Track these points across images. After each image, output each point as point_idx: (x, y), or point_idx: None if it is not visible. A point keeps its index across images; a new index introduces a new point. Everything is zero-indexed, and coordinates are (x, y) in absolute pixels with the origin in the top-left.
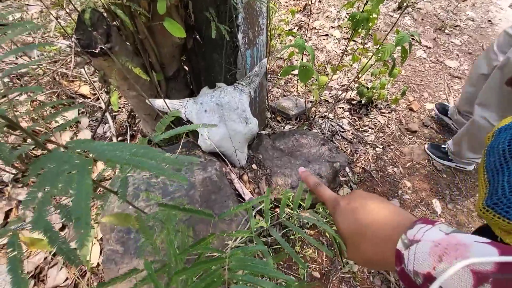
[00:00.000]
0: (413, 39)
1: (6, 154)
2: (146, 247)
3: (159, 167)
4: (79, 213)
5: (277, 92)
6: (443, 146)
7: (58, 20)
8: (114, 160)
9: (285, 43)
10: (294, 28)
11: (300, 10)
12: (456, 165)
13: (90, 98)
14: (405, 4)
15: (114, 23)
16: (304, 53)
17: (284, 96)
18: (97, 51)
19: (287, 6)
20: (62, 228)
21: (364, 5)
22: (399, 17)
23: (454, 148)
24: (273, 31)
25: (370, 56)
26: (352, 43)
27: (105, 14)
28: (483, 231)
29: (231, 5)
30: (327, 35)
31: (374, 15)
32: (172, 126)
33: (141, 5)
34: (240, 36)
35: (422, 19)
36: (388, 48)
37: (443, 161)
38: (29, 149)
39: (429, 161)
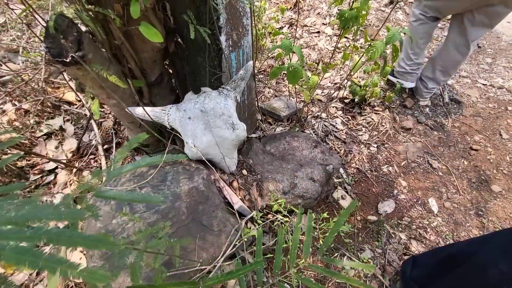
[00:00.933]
0: (401, 34)
1: None
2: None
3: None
4: None
5: (268, 93)
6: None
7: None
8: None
9: (276, 42)
10: (285, 26)
11: (291, 8)
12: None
13: (75, 104)
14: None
15: (87, 29)
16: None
17: (276, 96)
18: (68, 60)
19: (278, 3)
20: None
21: (353, 2)
22: (390, 11)
23: (428, 73)
24: (263, 29)
25: (361, 54)
26: (344, 39)
27: (75, 20)
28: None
29: (211, 6)
30: (318, 32)
31: (364, 12)
32: (161, 130)
33: (114, 9)
34: (223, 38)
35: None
36: (379, 46)
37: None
38: (10, 161)
39: (425, 159)
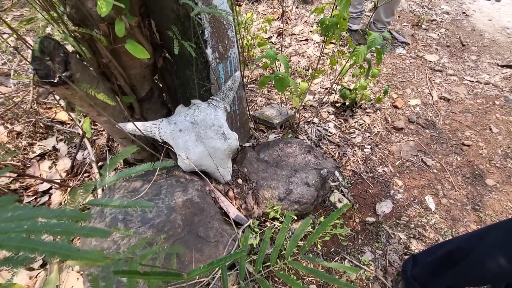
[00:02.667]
0: (385, 39)
1: None
2: None
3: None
4: None
5: (260, 101)
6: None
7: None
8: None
9: (264, 52)
10: (273, 35)
11: (278, 18)
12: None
13: (68, 124)
14: (379, 4)
15: (73, 49)
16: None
17: (268, 104)
18: (55, 81)
19: (265, 14)
20: (43, 264)
21: (333, 10)
22: (372, 15)
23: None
24: (252, 40)
25: (347, 59)
26: (332, 45)
27: (62, 42)
28: None
29: (194, 21)
30: (307, 40)
31: (344, 19)
32: (155, 144)
33: (100, 29)
34: (209, 51)
35: (399, 16)
36: (361, 51)
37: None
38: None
39: (418, 157)
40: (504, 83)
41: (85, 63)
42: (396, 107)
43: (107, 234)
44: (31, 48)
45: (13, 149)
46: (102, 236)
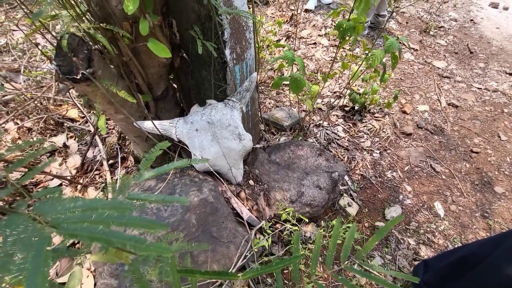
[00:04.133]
0: (401, 43)
1: None
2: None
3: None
4: None
5: (269, 103)
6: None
7: (45, 44)
8: (75, 234)
9: (274, 54)
10: (282, 38)
11: (287, 21)
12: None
13: (78, 121)
14: (390, 10)
15: (96, 46)
16: (294, 63)
17: (277, 106)
18: (78, 77)
19: (274, 17)
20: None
21: (350, 13)
22: (386, 21)
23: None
24: (261, 42)
25: (360, 63)
26: (341, 49)
27: (85, 38)
28: None
29: (216, 21)
30: (315, 43)
31: (361, 23)
32: (168, 149)
33: (123, 27)
34: (227, 52)
35: (407, 22)
36: (378, 55)
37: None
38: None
39: (427, 163)
40: None
41: (106, 61)
42: (404, 112)
43: (166, 228)
44: (53, 44)
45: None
46: (162, 229)
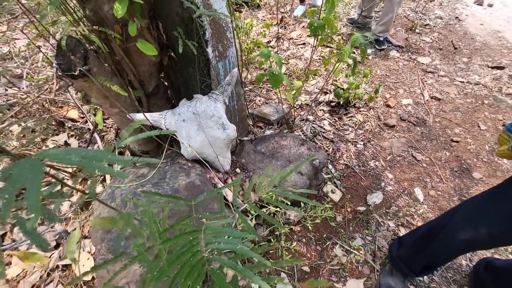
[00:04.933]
0: (366, 37)
1: None
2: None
3: (101, 167)
4: (31, 201)
5: (259, 101)
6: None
7: (46, 51)
8: (64, 161)
9: None
10: (272, 39)
11: (277, 23)
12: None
13: (78, 121)
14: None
15: (92, 47)
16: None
17: (266, 103)
18: (76, 73)
19: (265, 19)
20: (57, 246)
21: (320, 13)
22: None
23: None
24: (251, 44)
25: (337, 60)
26: (328, 49)
27: (82, 40)
28: None
29: (197, 23)
30: (304, 43)
31: (333, 20)
32: (159, 136)
33: (115, 30)
34: (210, 49)
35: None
36: (346, 49)
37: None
38: None
39: (409, 153)
40: (494, 83)
41: (100, 59)
42: (388, 106)
43: (129, 163)
44: (54, 49)
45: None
46: (125, 164)
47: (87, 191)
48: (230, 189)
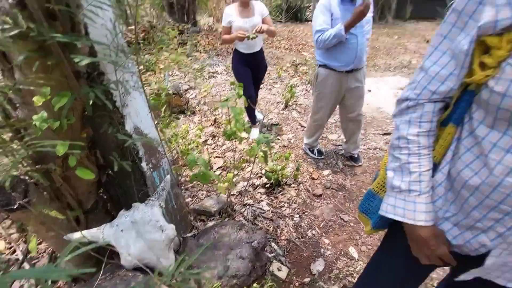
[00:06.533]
0: (266, 139)
1: None
2: None
3: None
4: None
5: (202, 194)
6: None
7: None
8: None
9: (203, 152)
10: (208, 138)
11: (211, 124)
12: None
13: (5, 253)
14: (289, 103)
15: (32, 180)
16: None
17: (208, 195)
18: (15, 207)
19: (200, 122)
20: None
21: (230, 122)
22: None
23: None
24: (189, 145)
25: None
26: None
27: (23, 177)
28: None
29: (130, 147)
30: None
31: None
32: (97, 255)
33: (55, 163)
34: (144, 164)
35: (305, 111)
36: (254, 148)
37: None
38: None
39: (337, 216)
40: (387, 146)
41: (39, 189)
42: (313, 178)
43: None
44: None
45: None
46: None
47: None
48: None
